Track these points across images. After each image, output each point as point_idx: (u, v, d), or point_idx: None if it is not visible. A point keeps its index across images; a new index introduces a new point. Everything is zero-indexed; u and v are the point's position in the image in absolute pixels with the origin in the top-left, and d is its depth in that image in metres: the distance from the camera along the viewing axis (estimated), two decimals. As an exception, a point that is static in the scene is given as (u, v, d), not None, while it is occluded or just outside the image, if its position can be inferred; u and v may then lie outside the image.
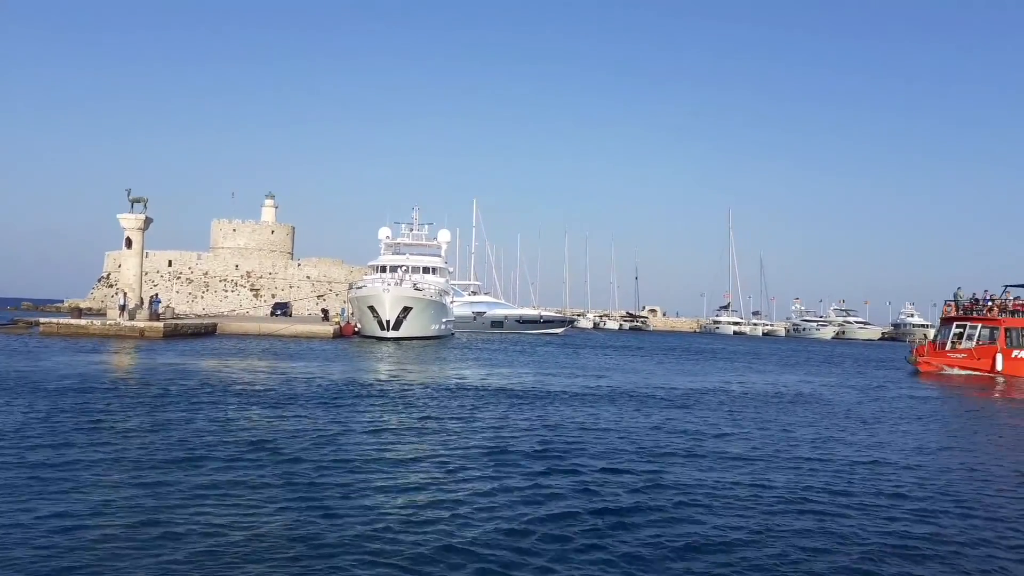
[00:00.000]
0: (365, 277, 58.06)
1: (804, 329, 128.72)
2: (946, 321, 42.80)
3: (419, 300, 50.29)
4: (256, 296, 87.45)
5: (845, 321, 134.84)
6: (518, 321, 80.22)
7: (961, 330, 40.72)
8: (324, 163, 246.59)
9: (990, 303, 41.03)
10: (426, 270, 58.39)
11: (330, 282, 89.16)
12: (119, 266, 64.83)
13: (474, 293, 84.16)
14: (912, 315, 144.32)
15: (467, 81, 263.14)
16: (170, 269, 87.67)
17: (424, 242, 64.47)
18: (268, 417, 15.52)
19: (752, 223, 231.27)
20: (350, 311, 55.95)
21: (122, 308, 45.54)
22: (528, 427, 15.62)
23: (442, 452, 12.62)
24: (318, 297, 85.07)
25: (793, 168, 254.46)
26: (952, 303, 42.85)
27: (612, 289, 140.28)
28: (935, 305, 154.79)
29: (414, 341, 48.98)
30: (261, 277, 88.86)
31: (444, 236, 66.78)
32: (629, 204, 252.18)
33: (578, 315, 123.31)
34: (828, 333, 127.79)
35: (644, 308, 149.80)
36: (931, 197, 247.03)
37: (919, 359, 41.59)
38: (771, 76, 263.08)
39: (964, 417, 22.14)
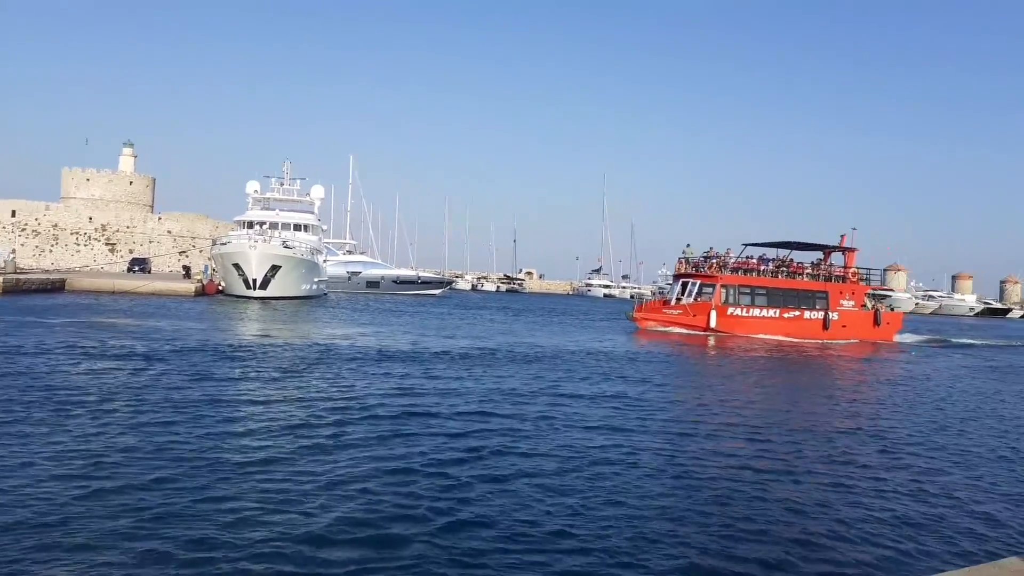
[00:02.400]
0: (231, 233, 55.08)
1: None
2: (676, 278, 42.29)
3: (289, 258, 48.31)
4: (112, 251, 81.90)
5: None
6: (395, 282, 78.82)
7: (686, 287, 40.36)
8: (189, 112, 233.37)
9: (713, 260, 40.88)
10: (297, 227, 56.10)
11: (193, 238, 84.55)
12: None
13: (349, 252, 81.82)
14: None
15: (346, 35, 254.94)
16: (13, 220, 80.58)
17: (296, 198, 61.87)
18: (102, 377, 14.22)
19: (626, 188, 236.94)
20: (213, 268, 53.15)
21: (-48, 261, 41.37)
22: (386, 390, 15.06)
23: (299, 418, 11.89)
24: (180, 253, 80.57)
25: (667, 133, 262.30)
26: (683, 260, 42.60)
27: (491, 251, 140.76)
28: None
29: (282, 301, 47.12)
30: (118, 231, 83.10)
31: (318, 192, 64.19)
32: (509, 167, 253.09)
33: (457, 277, 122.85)
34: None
35: (521, 271, 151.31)
36: (798, 156, 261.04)
37: (636, 316, 40.64)
38: (650, 35, 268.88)
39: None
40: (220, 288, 50.78)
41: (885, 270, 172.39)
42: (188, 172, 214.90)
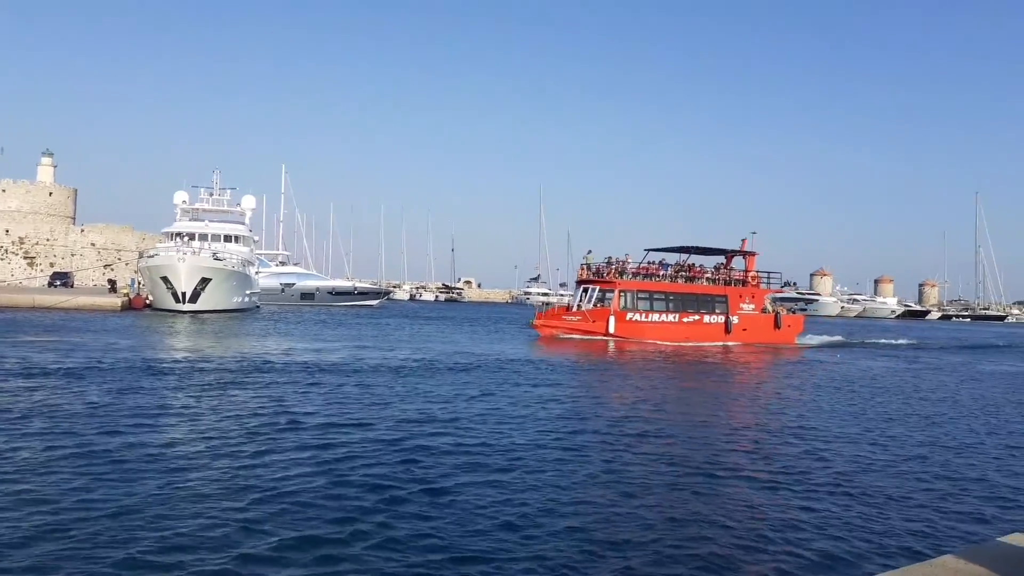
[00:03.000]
0: (159, 245, 53.45)
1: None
2: (578, 284, 41.87)
3: (219, 270, 47.11)
4: (31, 265, 78.48)
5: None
6: (330, 293, 77.61)
7: (587, 293, 39.88)
8: (112, 120, 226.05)
9: (613, 266, 40.48)
10: (228, 238, 54.77)
11: (119, 250, 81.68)
12: None
13: (282, 263, 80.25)
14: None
15: (276, 45, 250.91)
16: (-79, 233, 76.60)
17: (226, 208, 60.45)
18: (19, 396, 13.53)
19: (562, 198, 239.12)
20: (140, 282, 51.46)
21: None
22: (315, 403, 14.74)
23: (219, 434, 11.50)
24: (105, 267, 77.84)
25: (601, 143, 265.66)
26: (584, 266, 41.77)
27: (429, 260, 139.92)
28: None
29: (213, 315, 45.88)
30: (37, 244, 79.66)
31: (249, 202, 62.79)
32: (446, 176, 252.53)
33: (394, 287, 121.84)
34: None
35: (460, 280, 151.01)
36: (731, 165, 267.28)
37: (537, 323, 39.94)
38: (585, 45, 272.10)
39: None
40: (148, 302, 49.20)
41: (812, 275, 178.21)
42: (112, 183, 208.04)
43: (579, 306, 39.75)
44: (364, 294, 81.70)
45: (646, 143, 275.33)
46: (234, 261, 49.47)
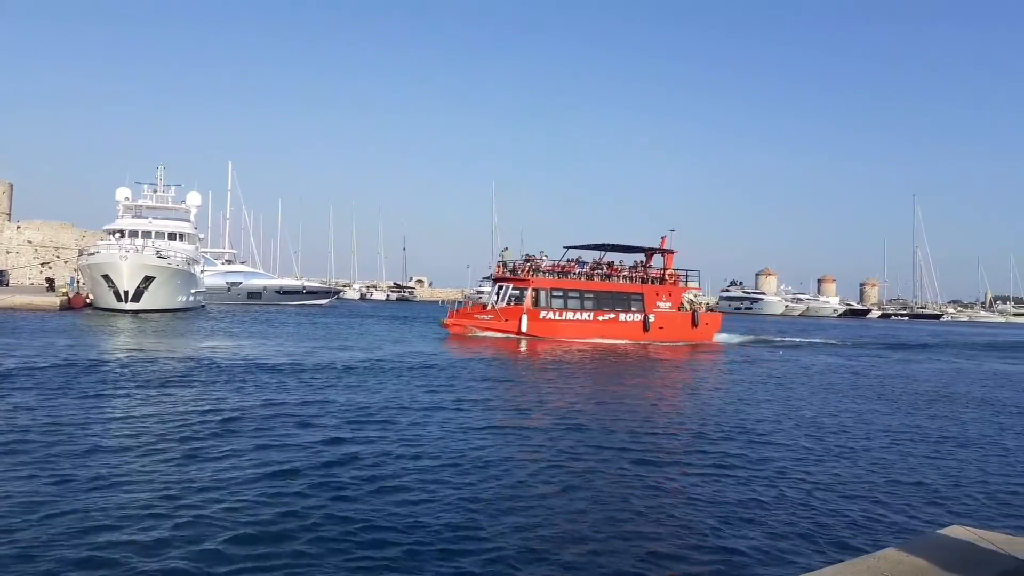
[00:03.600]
0: (100, 243, 51.85)
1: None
2: (494, 282, 41.17)
3: (163, 269, 45.99)
4: (-37, 263, 75.54)
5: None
6: (278, 292, 76.35)
7: (502, 291, 39.13)
8: (52, 113, 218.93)
9: (527, 263, 39.95)
10: (172, 236, 53.48)
11: (58, 248, 79.15)
12: None
13: (229, 262, 78.67)
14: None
15: (224, 36, 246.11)
16: None
17: (170, 205, 58.97)
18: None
19: (514, 198, 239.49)
20: (80, 281, 49.93)
21: None
22: (256, 403, 14.50)
23: (167, 433, 11.23)
24: (43, 265, 75.38)
25: (551, 143, 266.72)
26: (500, 263, 41.17)
27: (380, 260, 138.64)
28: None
29: (156, 314, 44.79)
30: (-31, 241, 76.82)
31: (194, 199, 61.32)
32: (397, 174, 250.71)
33: (344, 286, 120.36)
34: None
35: (412, 279, 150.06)
36: (683, 165, 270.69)
37: (448, 321, 38.93)
38: (538, 46, 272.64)
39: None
40: (88, 301, 47.82)
41: (758, 274, 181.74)
42: (51, 178, 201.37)
43: (494, 304, 39.06)
44: (313, 293, 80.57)
45: (599, 145, 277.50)
46: (178, 259, 48.35)
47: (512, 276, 39.42)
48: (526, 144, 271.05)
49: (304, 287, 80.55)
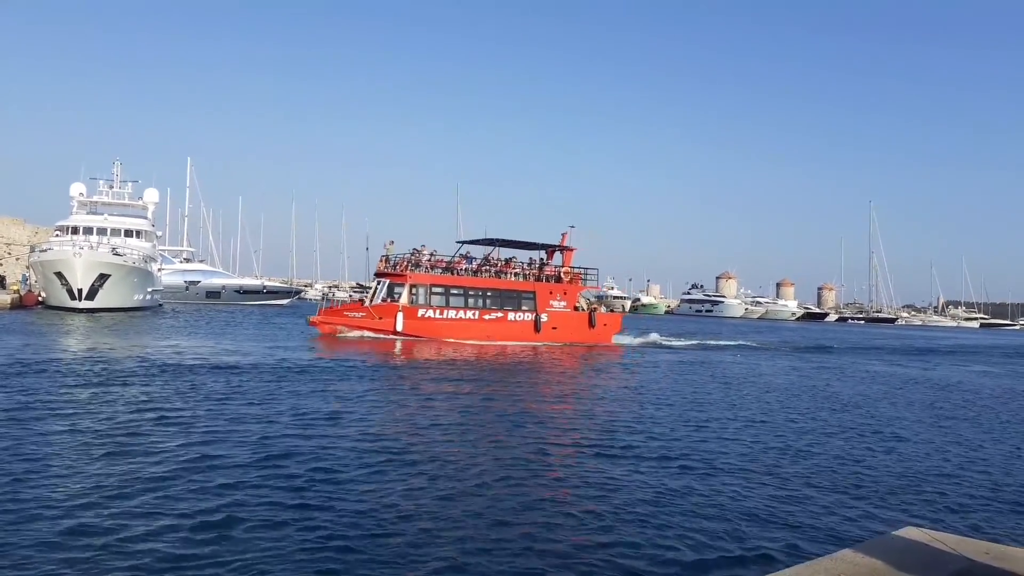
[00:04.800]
0: (53, 239, 50.68)
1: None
2: (376, 277, 38.11)
3: (119, 266, 45.06)
4: (-92, 259, 73.17)
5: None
6: (237, 291, 75.21)
7: (381, 287, 36.47)
8: (2, 105, 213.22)
9: (406, 257, 37.45)
10: (128, 233, 52.46)
11: (9, 244, 76.92)
12: None
13: (187, 260, 77.33)
14: (612, 288, 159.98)
15: (182, 26, 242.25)
16: None
17: (127, 202, 57.94)
18: None
19: (480, 198, 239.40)
20: (33, 278, 48.74)
21: None
22: (200, 403, 14.25)
23: (115, 434, 10.97)
24: (-7, 261, 73.24)
25: (516, 141, 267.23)
26: (384, 257, 38.57)
27: (343, 259, 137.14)
28: (631, 279, 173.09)
29: (111, 313, 43.87)
30: (-85, 236, 74.40)
31: (151, 196, 60.27)
32: (361, 173, 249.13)
33: (306, 285, 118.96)
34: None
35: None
36: (651, 172, 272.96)
37: (316, 320, 35.56)
38: (500, 46, 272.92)
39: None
40: (40, 299, 46.74)
41: (718, 278, 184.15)
42: (2, 173, 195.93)
43: (370, 302, 36.32)
44: (273, 293, 79.51)
45: (561, 146, 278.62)
46: (135, 257, 47.46)
47: (391, 271, 36.73)
48: (491, 144, 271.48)
49: (264, 287, 79.46)
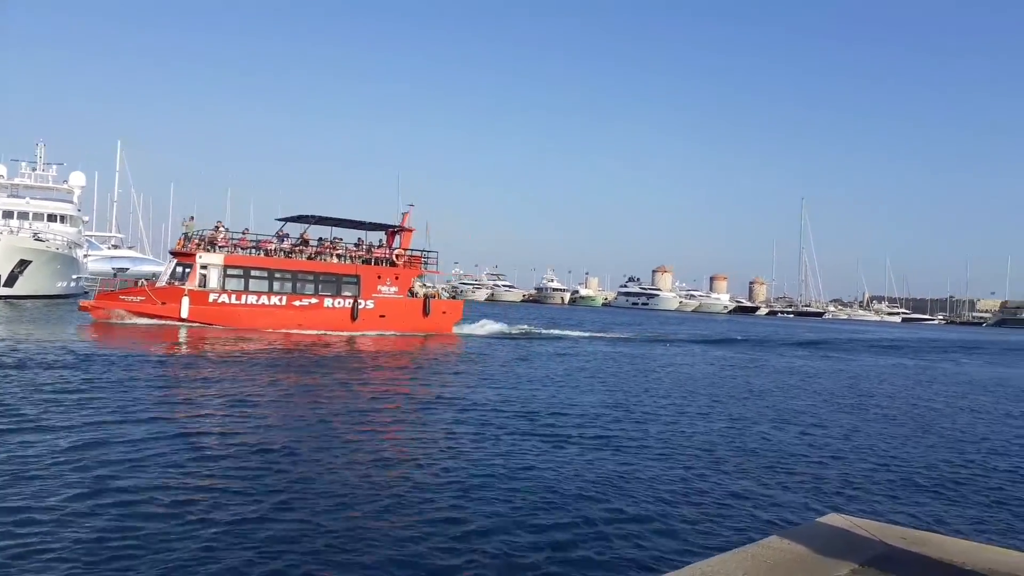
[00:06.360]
0: (-30, 223, 48.53)
1: (462, 292, 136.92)
2: (172, 256, 33.50)
3: (41, 252, 43.41)
4: None
5: (495, 284, 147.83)
6: (168, 278, 73.07)
7: (181, 268, 32.16)
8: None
9: (197, 236, 32.99)
10: (52, 217, 50.55)
11: (-79, 227, 73.36)
12: None
13: (115, 247, 74.87)
14: (552, 280, 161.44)
15: (117, 7, 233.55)
16: None
17: (51, 185, 55.67)
18: None
19: (421, 189, 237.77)
20: (-53, 264, 46.46)
21: None
22: (138, 397, 13.87)
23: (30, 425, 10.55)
24: (-97, 245, 69.62)
25: (459, 136, 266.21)
26: (183, 236, 33.25)
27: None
28: (570, 272, 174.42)
29: (33, 300, 42.20)
30: None
31: (78, 179, 58.07)
32: (298, 162, 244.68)
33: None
34: (482, 295, 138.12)
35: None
36: (590, 165, 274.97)
37: (88, 304, 31.47)
38: (444, 41, 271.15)
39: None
40: (-45, 286, 44.53)
41: (654, 271, 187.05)
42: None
43: (166, 283, 32.19)
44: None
45: (499, 140, 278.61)
46: (58, 242, 45.75)
47: (183, 252, 32.27)
48: (435, 135, 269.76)
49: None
